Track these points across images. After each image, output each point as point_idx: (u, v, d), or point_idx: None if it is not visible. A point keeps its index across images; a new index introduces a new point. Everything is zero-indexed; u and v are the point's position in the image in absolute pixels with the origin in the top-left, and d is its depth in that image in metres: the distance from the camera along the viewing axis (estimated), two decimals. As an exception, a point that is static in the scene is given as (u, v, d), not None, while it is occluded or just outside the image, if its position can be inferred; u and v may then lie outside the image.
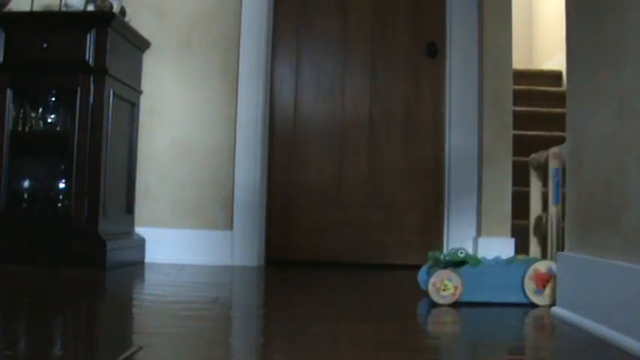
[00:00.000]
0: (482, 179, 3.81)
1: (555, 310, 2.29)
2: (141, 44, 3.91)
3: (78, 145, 3.40)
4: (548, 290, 2.47)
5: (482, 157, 3.82)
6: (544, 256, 2.45)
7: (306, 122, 4.10)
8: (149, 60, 3.99)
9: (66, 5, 3.60)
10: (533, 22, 7.72)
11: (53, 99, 3.60)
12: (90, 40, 3.43)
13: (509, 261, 2.57)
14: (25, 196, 3.64)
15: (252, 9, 3.98)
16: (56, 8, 3.68)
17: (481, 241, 3.76)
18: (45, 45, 3.42)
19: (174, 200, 3.93)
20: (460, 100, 3.96)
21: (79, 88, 3.42)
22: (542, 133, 5.55)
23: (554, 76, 6.59)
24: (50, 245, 3.34)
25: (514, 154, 3.87)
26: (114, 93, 3.54)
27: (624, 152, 1.87)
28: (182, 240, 3.87)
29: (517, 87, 4.82)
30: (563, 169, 2.55)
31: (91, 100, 3.42)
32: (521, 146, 4.94)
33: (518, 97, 5.07)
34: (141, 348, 1.62)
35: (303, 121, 4.10)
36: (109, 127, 3.49)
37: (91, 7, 3.59)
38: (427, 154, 4.04)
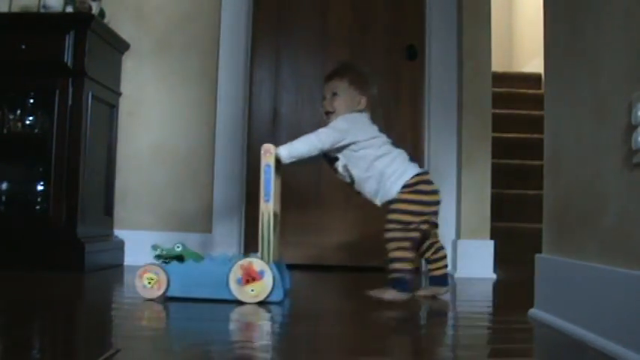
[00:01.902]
0: (462, 181, 3.82)
1: (533, 312, 2.30)
2: (120, 46, 3.89)
3: (56, 148, 3.38)
4: (255, 287, 2.47)
5: (461, 160, 3.83)
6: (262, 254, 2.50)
7: (286, 124, 4.10)
8: (128, 62, 3.97)
9: (44, 7, 3.57)
10: (513, 24, 7.77)
11: (31, 101, 3.58)
12: (68, 41, 3.41)
13: (230, 258, 2.59)
14: (3, 198, 3.62)
15: (231, 11, 3.98)
16: (34, 9, 3.65)
17: (460, 243, 3.77)
18: (23, 46, 3.39)
19: (153, 203, 3.92)
20: (439, 103, 3.97)
21: (57, 90, 3.40)
22: (522, 135, 5.59)
23: (533, 79, 6.63)
24: (28, 248, 3.32)
25: (493, 157, 3.88)
26: (93, 95, 3.52)
27: (601, 154, 1.89)
28: (161, 243, 3.84)
29: (496, 89, 4.84)
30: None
31: (70, 102, 3.40)
32: (501, 148, 4.97)
33: (498, 100, 5.09)
34: (118, 350, 1.61)
35: (283, 123, 4.10)
36: (88, 130, 3.47)
37: (69, 9, 3.57)
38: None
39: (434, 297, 2.76)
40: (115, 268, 3.62)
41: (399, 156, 2.72)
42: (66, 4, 3.57)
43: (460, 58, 3.91)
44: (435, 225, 2.79)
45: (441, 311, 2.58)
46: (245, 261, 2.48)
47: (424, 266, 3.36)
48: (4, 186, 3.62)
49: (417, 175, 2.68)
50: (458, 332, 2.14)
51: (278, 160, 2.63)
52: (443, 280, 2.80)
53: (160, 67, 3.98)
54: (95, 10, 3.62)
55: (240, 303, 2.45)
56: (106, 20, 3.75)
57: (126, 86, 3.96)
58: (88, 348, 1.73)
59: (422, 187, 2.67)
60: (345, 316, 2.43)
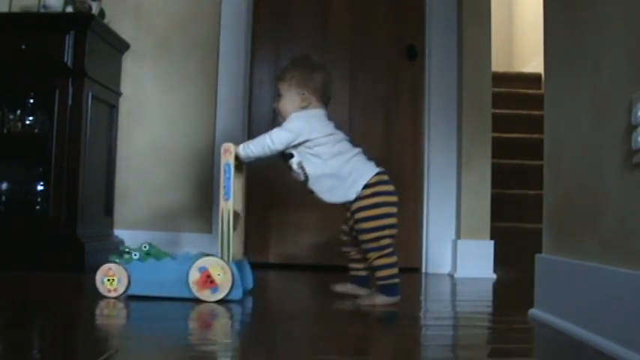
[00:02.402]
0: (462, 181, 3.82)
1: (533, 311, 2.30)
2: (120, 46, 3.89)
3: (56, 148, 3.38)
4: (214, 286, 2.48)
5: (461, 160, 3.83)
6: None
7: (286, 124, 4.09)
8: (128, 62, 3.97)
9: (44, 7, 3.57)
10: (514, 24, 7.76)
11: (31, 101, 3.58)
12: (68, 41, 3.41)
13: (190, 257, 2.58)
14: (3, 198, 3.62)
15: (231, 11, 3.98)
16: (34, 9, 3.66)
17: (460, 243, 3.77)
18: (23, 46, 3.39)
19: (153, 203, 3.92)
20: (439, 103, 3.97)
21: (57, 90, 3.40)
22: (522, 135, 5.58)
23: (533, 79, 6.63)
24: (28, 248, 3.32)
25: (493, 157, 3.88)
26: (93, 95, 3.52)
27: (601, 154, 1.88)
28: (161, 243, 3.84)
29: (497, 89, 4.84)
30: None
31: (70, 102, 3.40)
32: (501, 148, 4.97)
33: (498, 100, 5.09)
34: (117, 351, 1.61)
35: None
36: (88, 130, 3.47)
37: (69, 9, 3.57)
38: (406, 157, 4.04)
39: (352, 296, 2.67)
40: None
41: (357, 155, 2.67)
42: (66, 4, 3.57)
43: (460, 58, 3.91)
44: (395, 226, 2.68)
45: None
46: (204, 260, 2.50)
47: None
48: (4, 186, 3.62)
49: (377, 174, 2.62)
50: (458, 332, 2.14)
51: (239, 159, 2.64)
52: (363, 282, 2.72)
53: (160, 67, 3.98)
54: (95, 10, 3.62)
55: (199, 301, 2.46)
56: (106, 20, 3.76)
57: (126, 86, 3.96)
58: (87, 348, 1.73)
59: (382, 188, 2.59)
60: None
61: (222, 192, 2.55)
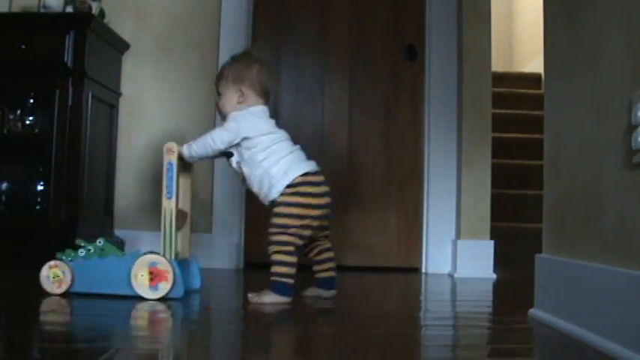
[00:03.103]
0: (462, 181, 3.82)
1: (533, 311, 2.30)
2: (120, 46, 3.89)
3: (56, 147, 3.38)
4: (156, 284, 2.50)
5: (461, 160, 3.83)
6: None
7: (285, 124, 4.05)
8: (128, 62, 3.97)
9: (44, 7, 3.57)
10: (513, 24, 7.76)
11: (31, 101, 3.58)
12: (68, 41, 3.41)
13: (133, 255, 2.59)
14: (3, 198, 3.62)
15: (231, 11, 3.98)
16: (35, 9, 3.65)
17: (460, 243, 3.77)
18: (23, 46, 3.39)
19: (153, 202, 3.91)
20: (439, 103, 3.97)
21: (57, 90, 3.40)
22: (522, 135, 5.59)
23: (533, 79, 6.64)
24: (28, 248, 3.32)
25: (493, 157, 3.88)
26: (93, 95, 3.52)
27: (601, 154, 1.89)
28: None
29: (496, 89, 4.84)
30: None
31: (70, 102, 3.40)
32: (501, 148, 4.97)
33: (498, 100, 5.09)
34: (117, 351, 1.61)
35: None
36: (88, 129, 3.47)
37: (69, 9, 3.57)
38: (406, 157, 4.04)
39: (319, 298, 2.67)
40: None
41: (289, 155, 2.63)
42: (66, 4, 3.57)
43: (460, 58, 3.91)
44: (324, 228, 2.67)
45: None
46: (146, 258, 2.52)
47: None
48: (4, 186, 3.62)
49: (303, 175, 2.58)
50: (458, 332, 2.14)
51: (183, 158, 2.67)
52: (327, 283, 2.70)
53: (160, 67, 3.98)
54: (95, 10, 3.62)
55: (141, 299, 2.48)
56: (106, 20, 3.75)
57: (126, 86, 3.96)
58: (87, 348, 1.73)
59: (305, 189, 2.55)
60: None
61: (164, 191, 2.57)
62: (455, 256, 3.80)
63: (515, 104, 6.12)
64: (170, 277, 2.49)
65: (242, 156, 2.61)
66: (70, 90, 3.41)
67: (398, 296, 3.11)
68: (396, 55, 4.09)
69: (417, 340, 1.99)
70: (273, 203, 2.59)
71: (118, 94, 3.90)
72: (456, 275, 3.73)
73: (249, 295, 2.55)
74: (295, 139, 4.04)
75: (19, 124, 3.55)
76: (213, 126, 3.92)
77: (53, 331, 1.97)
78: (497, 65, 5.54)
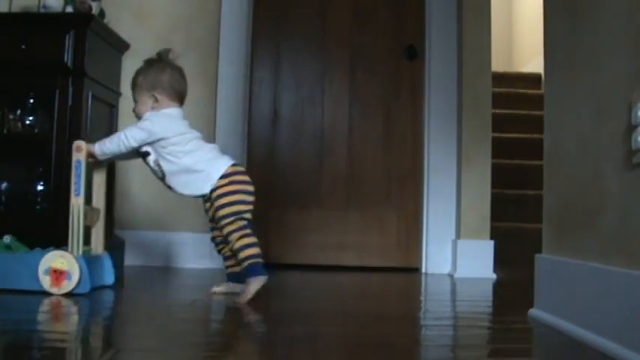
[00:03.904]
0: (462, 181, 3.82)
1: (533, 311, 2.30)
2: (120, 46, 3.89)
3: (56, 147, 3.37)
4: (62, 280, 2.54)
5: (461, 160, 3.83)
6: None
7: (285, 124, 4.10)
8: (129, 62, 3.96)
9: (44, 7, 3.57)
10: (513, 24, 7.76)
11: (31, 101, 3.57)
12: (68, 41, 3.40)
13: (45, 251, 2.62)
14: (3, 198, 3.61)
15: (231, 11, 3.98)
16: (34, 9, 3.65)
17: (460, 243, 3.77)
18: (23, 46, 3.39)
19: (153, 202, 3.91)
20: (439, 103, 3.97)
21: (57, 90, 3.40)
22: (522, 135, 5.59)
23: (533, 79, 6.64)
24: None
25: (493, 157, 3.88)
26: (93, 95, 3.52)
27: (600, 154, 1.89)
28: (161, 242, 3.85)
29: (496, 89, 4.84)
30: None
31: (70, 102, 3.39)
32: (501, 148, 4.97)
33: (498, 100, 5.09)
34: (118, 351, 1.61)
35: (282, 123, 4.10)
36: (88, 130, 3.47)
37: (69, 9, 3.56)
38: (406, 156, 4.04)
39: (233, 294, 2.68)
40: (115, 268, 3.61)
41: (211, 151, 2.70)
42: (66, 4, 3.56)
43: (460, 58, 3.91)
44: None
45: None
46: (53, 253, 2.55)
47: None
48: (4, 186, 3.61)
49: (232, 166, 2.68)
50: (458, 332, 2.14)
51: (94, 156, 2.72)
52: (239, 278, 2.71)
53: (159, 67, 3.97)
54: (95, 10, 3.62)
55: (48, 294, 2.52)
56: (106, 20, 3.75)
57: (126, 86, 3.93)
58: (87, 348, 1.73)
59: (238, 178, 2.66)
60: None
61: (72, 188, 2.62)
62: (455, 256, 3.80)
63: (515, 104, 6.12)
64: (76, 273, 2.54)
65: (161, 154, 2.66)
66: (70, 90, 3.40)
67: (398, 296, 3.11)
68: (396, 55, 4.09)
69: (417, 340, 1.99)
70: (207, 197, 2.65)
71: (118, 94, 3.90)
72: (455, 275, 3.73)
73: (235, 300, 2.54)
74: (295, 139, 4.08)
75: (19, 124, 3.54)
76: (213, 126, 3.93)
77: (149, 336, 1.97)
78: (497, 65, 5.54)
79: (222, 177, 2.63)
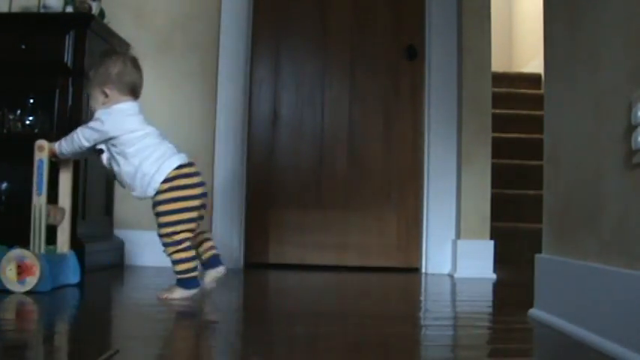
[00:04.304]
0: (462, 182, 3.82)
1: (533, 311, 2.30)
2: (120, 46, 3.89)
3: (56, 148, 3.37)
4: (24, 277, 2.56)
5: (461, 160, 3.83)
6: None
7: (285, 124, 4.10)
8: (128, 62, 3.97)
9: (44, 7, 3.57)
10: (513, 25, 7.76)
11: (31, 101, 3.57)
12: (68, 41, 3.40)
13: (5, 249, 2.64)
14: (3, 198, 3.61)
15: (231, 11, 3.98)
16: (34, 9, 3.65)
17: (460, 243, 3.77)
18: (23, 46, 3.39)
19: (153, 203, 3.91)
20: (439, 103, 3.97)
21: (57, 90, 3.40)
22: (522, 135, 5.59)
23: (533, 79, 6.64)
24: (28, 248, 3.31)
25: (493, 157, 3.88)
26: (92, 95, 3.52)
27: (601, 154, 1.89)
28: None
29: (496, 89, 4.85)
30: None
31: (70, 102, 3.39)
32: (501, 148, 4.97)
33: (498, 100, 5.09)
34: (118, 351, 1.61)
35: (282, 123, 4.10)
36: (88, 129, 3.46)
37: (69, 9, 3.56)
38: (406, 156, 4.04)
39: (219, 278, 2.70)
40: (115, 269, 3.62)
41: (160, 150, 2.65)
42: (66, 4, 3.57)
43: (460, 58, 3.91)
44: (201, 218, 2.68)
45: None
46: (15, 252, 2.57)
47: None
48: (4, 186, 3.61)
49: (177, 168, 2.61)
50: (458, 332, 2.14)
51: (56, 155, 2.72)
52: (213, 262, 2.70)
53: (160, 66, 3.97)
54: (95, 10, 3.62)
55: (9, 292, 2.53)
56: (105, 20, 3.75)
57: (126, 86, 3.95)
58: (87, 348, 1.73)
59: (180, 182, 2.59)
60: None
61: (34, 187, 2.64)
62: (455, 256, 3.80)
63: (515, 104, 6.12)
64: (37, 271, 2.55)
65: (111, 153, 2.63)
66: (70, 90, 3.40)
67: (398, 296, 3.11)
68: (396, 55, 4.09)
69: (417, 340, 1.99)
70: (152, 200, 2.62)
71: (118, 94, 3.90)
72: (455, 275, 3.73)
73: (158, 292, 2.58)
74: (295, 139, 4.08)
75: (19, 124, 3.55)
76: (213, 126, 3.93)
77: (149, 336, 1.97)
78: (497, 65, 5.54)
79: (165, 181, 2.57)
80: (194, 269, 2.57)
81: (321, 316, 2.40)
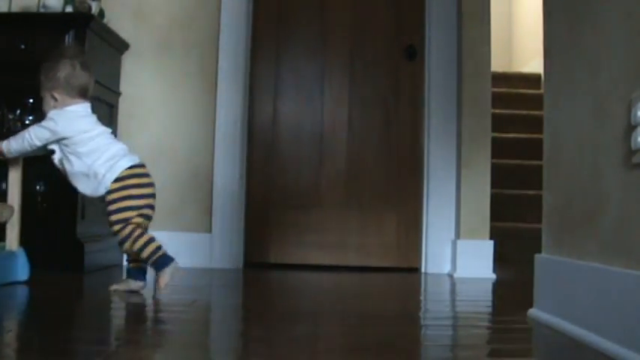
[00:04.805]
0: (461, 181, 3.82)
1: (532, 311, 2.30)
2: (120, 46, 3.89)
3: (56, 147, 3.37)
4: None
5: (461, 160, 3.83)
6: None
7: (285, 124, 4.09)
8: (128, 62, 3.97)
9: (44, 6, 3.57)
10: (513, 25, 7.77)
11: (31, 100, 3.56)
12: (68, 41, 3.40)
13: None
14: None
15: (231, 11, 3.97)
16: (34, 9, 3.65)
17: (460, 243, 3.77)
18: (22, 46, 3.39)
19: (153, 203, 3.91)
20: (439, 103, 3.96)
21: (56, 90, 3.40)
22: (521, 135, 5.59)
23: (533, 79, 6.64)
24: (27, 248, 3.31)
25: (493, 157, 3.87)
26: (92, 95, 3.51)
27: (600, 154, 1.89)
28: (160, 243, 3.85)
29: (496, 89, 4.84)
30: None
31: (69, 101, 3.39)
32: (501, 149, 4.97)
33: (497, 100, 5.10)
34: (117, 350, 1.61)
35: (282, 122, 4.10)
36: (88, 129, 3.46)
37: (69, 9, 3.56)
38: (406, 157, 4.04)
39: (132, 291, 2.71)
40: (114, 268, 3.61)
41: (112, 150, 2.66)
42: (65, 4, 3.56)
43: (460, 58, 3.91)
44: (148, 218, 2.73)
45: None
46: None
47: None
48: (4, 186, 3.60)
49: (129, 168, 2.65)
50: (457, 332, 2.14)
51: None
52: (141, 274, 2.74)
53: (159, 66, 3.97)
54: (95, 10, 3.62)
55: None
56: (105, 20, 3.75)
57: (125, 86, 3.96)
58: (87, 348, 1.73)
59: (131, 182, 2.63)
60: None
61: None
62: (454, 256, 3.80)
63: (515, 104, 6.12)
64: None
65: (64, 153, 2.65)
66: (70, 90, 3.40)
67: (398, 296, 3.11)
68: (395, 55, 4.09)
69: (417, 339, 1.99)
70: (103, 199, 2.64)
71: (118, 94, 3.90)
72: (455, 275, 3.72)
73: (153, 295, 2.61)
74: (295, 139, 4.07)
75: (19, 124, 3.54)
76: (213, 125, 3.93)
77: (148, 336, 1.97)
78: (497, 65, 5.54)
79: (116, 180, 2.61)
80: (160, 247, 2.61)
81: (321, 316, 2.41)
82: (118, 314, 2.32)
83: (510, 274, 3.88)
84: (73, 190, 2.73)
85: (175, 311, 2.34)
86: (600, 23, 1.92)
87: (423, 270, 3.94)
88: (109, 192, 2.60)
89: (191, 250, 3.82)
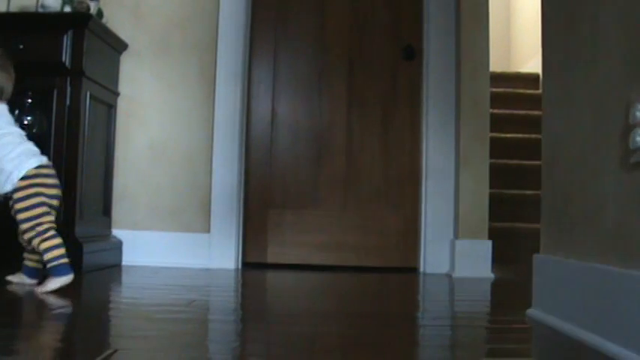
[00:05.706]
0: (460, 182, 3.82)
1: (531, 311, 2.31)
2: (118, 46, 3.89)
3: (54, 148, 3.37)
4: None
5: (459, 160, 3.83)
6: None
7: (283, 124, 4.10)
8: (126, 62, 3.97)
9: (42, 6, 3.57)
10: (511, 25, 7.77)
11: (29, 101, 3.56)
12: (66, 41, 3.40)
13: None
14: (2, 198, 3.60)
15: (229, 11, 3.97)
16: (32, 9, 3.65)
17: (458, 243, 3.77)
18: (21, 46, 3.38)
19: (151, 203, 3.91)
20: (437, 103, 3.97)
21: (55, 90, 3.39)
22: (520, 135, 5.59)
23: (531, 79, 6.64)
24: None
25: (492, 157, 3.88)
26: (91, 95, 3.51)
27: (598, 153, 1.89)
28: (159, 243, 3.85)
29: (495, 89, 4.85)
30: None
31: (68, 102, 3.39)
32: (499, 149, 4.97)
33: (496, 100, 5.10)
34: (116, 351, 1.61)
35: (280, 123, 4.10)
36: (86, 130, 3.46)
37: (67, 9, 3.56)
38: (404, 157, 4.04)
39: (23, 284, 2.77)
40: (113, 268, 3.61)
41: (19, 149, 2.71)
42: (64, 3, 3.56)
43: (458, 58, 3.91)
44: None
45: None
46: None
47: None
48: (3, 186, 3.60)
49: (37, 168, 2.70)
50: (456, 332, 2.14)
51: None
52: (33, 273, 2.81)
53: (158, 67, 3.97)
54: (93, 10, 3.62)
55: None
56: (104, 20, 3.75)
57: (124, 86, 3.96)
58: (86, 348, 1.73)
59: (39, 180, 2.69)
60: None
61: None
62: (453, 256, 3.80)
63: (514, 104, 6.12)
64: None
65: None
66: (68, 90, 3.40)
67: (396, 296, 3.11)
68: (394, 55, 4.09)
69: (416, 339, 1.99)
70: (8, 197, 2.69)
71: (116, 94, 3.90)
72: (454, 275, 3.73)
73: (36, 289, 2.63)
74: (293, 139, 4.08)
75: (18, 124, 3.54)
76: (211, 126, 3.92)
77: (147, 336, 1.97)
78: (496, 65, 5.55)
79: (24, 178, 2.66)
80: (63, 255, 2.65)
81: (319, 316, 2.40)
82: (117, 314, 2.32)
83: (509, 274, 3.88)
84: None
85: (173, 311, 2.34)
86: (598, 23, 1.93)
87: (421, 270, 3.94)
88: (15, 190, 2.66)
89: (189, 249, 3.82)
